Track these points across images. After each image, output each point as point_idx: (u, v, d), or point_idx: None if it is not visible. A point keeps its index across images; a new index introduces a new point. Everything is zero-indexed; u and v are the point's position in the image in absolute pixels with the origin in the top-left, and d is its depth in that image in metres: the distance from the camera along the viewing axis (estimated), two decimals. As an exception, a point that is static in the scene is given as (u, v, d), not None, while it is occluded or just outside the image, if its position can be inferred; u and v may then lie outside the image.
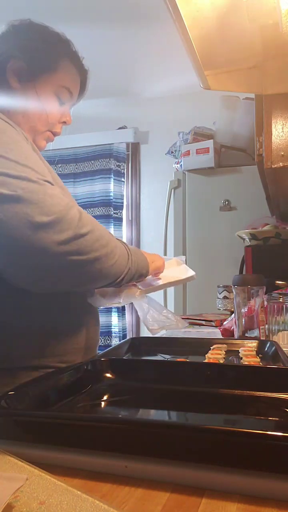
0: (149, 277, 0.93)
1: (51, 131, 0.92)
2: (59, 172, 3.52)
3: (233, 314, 1.12)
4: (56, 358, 0.81)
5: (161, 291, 2.54)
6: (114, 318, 3.34)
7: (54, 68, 0.88)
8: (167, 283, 0.98)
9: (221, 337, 1.20)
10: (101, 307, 0.93)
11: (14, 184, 0.65)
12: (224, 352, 0.85)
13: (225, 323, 1.28)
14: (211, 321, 1.48)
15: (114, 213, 3.41)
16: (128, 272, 0.80)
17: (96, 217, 3.38)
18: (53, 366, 0.80)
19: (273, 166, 1.18)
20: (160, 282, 0.94)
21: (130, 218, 3.50)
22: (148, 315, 0.88)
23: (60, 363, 0.81)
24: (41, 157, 0.82)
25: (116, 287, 0.85)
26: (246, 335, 1.04)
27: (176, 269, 1.02)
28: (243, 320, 1.05)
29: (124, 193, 3.48)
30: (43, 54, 0.87)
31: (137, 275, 0.84)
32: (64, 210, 0.67)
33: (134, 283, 0.92)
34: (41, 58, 0.87)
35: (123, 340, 1.02)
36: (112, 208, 3.40)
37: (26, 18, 0.90)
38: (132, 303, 0.90)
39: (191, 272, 1.02)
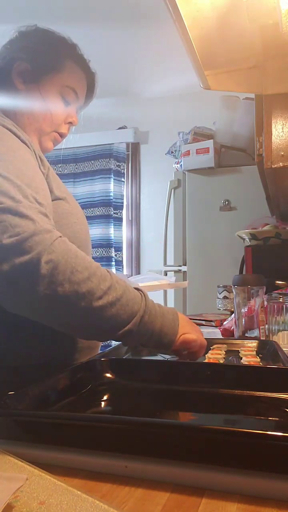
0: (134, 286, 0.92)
1: (58, 132, 0.92)
2: (59, 172, 3.52)
3: (233, 314, 1.12)
4: (62, 357, 0.82)
5: (161, 292, 2.54)
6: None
7: (57, 69, 0.89)
8: (165, 284, 1.00)
9: (221, 337, 1.20)
10: None
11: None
12: (224, 352, 0.85)
13: (225, 323, 1.28)
14: (211, 321, 1.48)
15: (114, 213, 3.41)
16: (135, 325, 0.67)
17: (96, 217, 3.40)
18: (57, 366, 0.80)
19: (273, 166, 1.18)
20: (141, 284, 0.94)
21: (130, 218, 3.50)
22: None
23: (67, 361, 0.82)
24: (40, 158, 0.81)
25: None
26: (246, 335, 1.04)
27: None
28: (243, 320, 1.05)
29: (124, 193, 3.48)
30: (46, 55, 0.88)
31: (155, 338, 0.69)
32: (30, 232, 0.61)
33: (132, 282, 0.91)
34: (44, 59, 0.88)
35: (123, 340, 1.02)
36: (112, 208, 3.40)
37: (33, 24, 0.91)
38: None
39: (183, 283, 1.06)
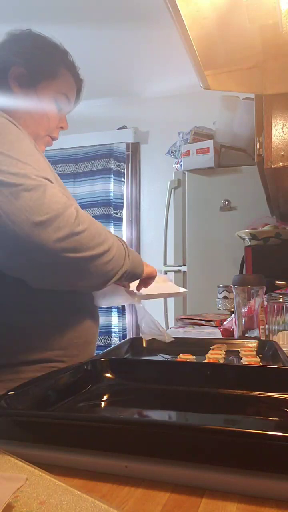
0: (133, 288, 0.95)
1: (50, 136, 0.96)
2: (59, 172, 3.51)
3: (233, 314, 1.12)
4: (60, 352, 0.83)
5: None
6: (114, 318, 3.34)
7: (53, 75, 0.92)
8: (164, 293, 1.01)
9: (221, 337, 1.20)
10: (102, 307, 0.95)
11: (14, 182, 0.67)
12: (224, 352, 0.85)
13: (225, 323, 1.28)
14: (211, 321, 1.48)
15: (114, 213, 3.41)
16: (124, 270, 0.81)
17: (96, 217, 3.38)
18: (55, 360, 0.81)
19: (273, 166, 1.18)
20: (144, 292, 0.95)
21: (130, 218, 3.50)
22: (143, 320, 0.91)
23: (63, 357, 0.82)
24: (43, 155, 0.83)
25: (113, 283, 0.85)
26: (246, 335, 1.04)
27: (166, 285, 1.06)
28: (243, 320, 1.05)
29: (124, 193, 3.47)
30: (43, 61, 0.91)
31: (131, 275, 0.85)
32: (62, 208, 0.68)
33: (134, 291, 0.93)
34: (42, 65, 0.91)
35: (123, 340, 1.02)
36: (112, 208, 3.40)
37: (26, 28, 0.93)
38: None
39: (183, 289, 1.07)
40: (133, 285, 0.95)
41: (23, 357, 0.79)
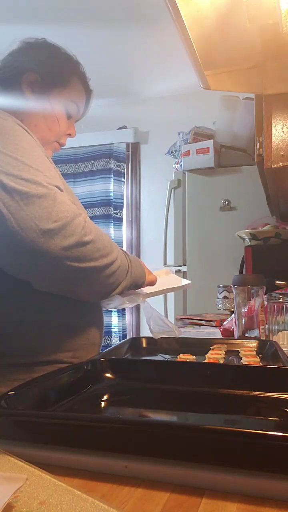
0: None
1: (58, 142, 0.98)
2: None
3: (233, 314, 1.12)
4: (70, 353, 0.84)
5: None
6: (114, 318, 3.34)
7: (65, 84, 0.95)
8: (167, 288, 1.01)
9: (221, 337, 1.20)
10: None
11: (26, 188, 0.68)
12: (224, 352, 0.85)
13: (225, 323, 1.28)
14: (211, 321, 1.48)
15: (114, 213, 3.41)
16: (124, 286, 0.83)
17: (96, 217, 3.40)
18: (67, 362, 0.82)
19: (273, 166, 1.18)
20: (147, 291, 0.95)
21: (130, 218, 3.50)
22: (151, 318, 0.90)
23: (73, 358, 0.84)
24: (52, 163, 0.85)
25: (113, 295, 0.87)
26: (246, 335, 1.04)
27: (169, 278, 1.05)
28: (243, 320, 1.05)
29: (124, 193, 3.47)
30: (57, 69, 0.94)
31: (133, 286, 0.88)
32: (70, 217, 0.70)
33: (137, 291, 0.94)
34: (55, 73, 0.94)
35: (123, 340, 1.02)
36: (112, 208, 3.40)
37: (41, 38, 0.96)
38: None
39: (186, 281, 1.06)
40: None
41: (36, 358, 0.80)
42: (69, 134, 1.01)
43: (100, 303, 0.91)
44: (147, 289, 0.95)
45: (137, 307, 3.41)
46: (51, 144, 0.96)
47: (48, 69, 0.93)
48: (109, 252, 0.76)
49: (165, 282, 1.02)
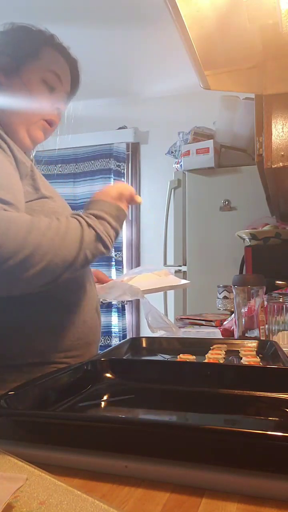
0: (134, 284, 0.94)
1: (45, 119, 0.91)
2: (59, 172, 3.52)
3: (233, 314, 1.12)
4: (62, 354, 0.83)
5: (161, 293, 2.54)
6: (114, 318, 3.34)
7: (36, 55, 0.89)
8: (167, 286, 1.01)
9: (221, 337, 1.20)
10: (105, 303, 0.95)
11: None
12: (224, 352, 0.85)
13: (225, 323, 1.28)
14: (211, 321, 1.48)
15: (114, 213, 3.41)
16: (86, 255, 0.74)
17: (96, 217, 3.40)
18: (59, 362, 0.81)
19: (273, 166, 1.18)
20: (146, 287, 0.95)
21: (130, 218, 3.50)
22: (149, 314, 0.90)
23: (65, 358, 0.83)
24: (25, 160, 0.80)
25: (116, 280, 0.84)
26: (246, 335, 1.04)
27: (168, 278, 1.05)
28: (243, 320, 1.05)
29: (124, 193, 3.47)
30: (24, 43, 0.89)
31: (114, 228, 0.80)
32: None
33: (136, 286, 0.93)
34: (23, 47, 0.88)
35: (123, 340, 1.02)
36: (112, 208, 3.40)
37: (9, 22, 0.91)
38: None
39: (184, 281, 1.06)
40: (134, 281, 0.95)
41: (25, 360, 0.80)
42: (58, 108, 0.93)
43: (83, 301, 0.87)
44: (145, 285, 0.95)
45: (137, 307, 3.41)
46: (36, 123, 0.89)
47: (15, 46, 0.88)
48: (20, 246, 0.66)
49: (164, 280, 1.02)
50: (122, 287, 0.91)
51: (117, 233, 0.81)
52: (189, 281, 1.08)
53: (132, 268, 3.43)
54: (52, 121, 0.92)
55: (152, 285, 0.96)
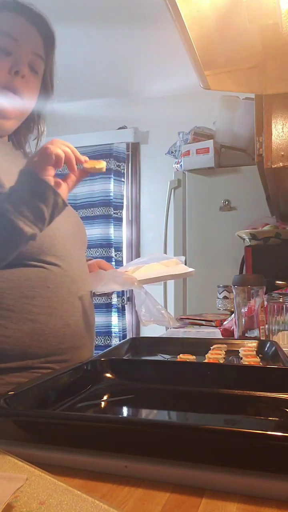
0: (111, 271, 0.89)
1: (6, 88, 0.83)
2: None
3: (233, 314, 1.12)
4: (41, 359, 0.79)
5: (162, 291, 2.54)
6: (114, 318, 3.34)
7: None
8: (167, 275, 0.95)
9: (221, 337, 1.20)
10: (98, 293, 0.90)
11: None
12: (224, 352, 0.85)
13: (225, 323, 1.28)
14: (211, 321, 1.48)
15: (114, 213, 3.41)
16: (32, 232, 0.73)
17: (96, 217, 3.40)
18: (39, 367, 0.78)
19: (273, 166, 1.18)
20: (144, 276, 0.89)
21: (130, 218, 3.49)
22: (143, 305, 0.86)
23: (47, 363, 0.80)
24: None
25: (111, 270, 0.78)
26: (246, 335, 1.04)
27: (175, 267, 1.00)
28: (243, 320, 1.05)
29: (124, 193, 3.47)
30: None
31: (49, 214, 0.79)
32: None
33: (133, 275, 0.89)
34: None
35: (123, 340, 1.02)
36: (112, 208, 3.40)
37: None
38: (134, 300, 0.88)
39: (189, 269, 0.99)
40: (139, 272, 0.92)
41: (4, 363, 0.77)
42: (17, 72, 0.83)
43: (65, 304, 0.83)
44: (143, 275, 0.90)
45: (137, 307, 3.41)
46: None
47: None
48: None
49: (166, 269, 0.96)
50: (114, 276, 0.85)
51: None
52: (193, 269, 1.04)
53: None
54: (15, 88, 0.84)
55: (149, 274, 0.89)
